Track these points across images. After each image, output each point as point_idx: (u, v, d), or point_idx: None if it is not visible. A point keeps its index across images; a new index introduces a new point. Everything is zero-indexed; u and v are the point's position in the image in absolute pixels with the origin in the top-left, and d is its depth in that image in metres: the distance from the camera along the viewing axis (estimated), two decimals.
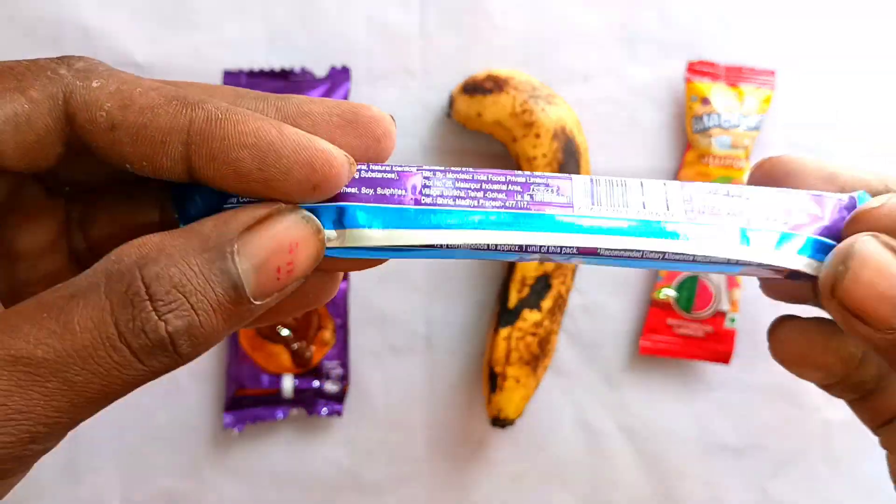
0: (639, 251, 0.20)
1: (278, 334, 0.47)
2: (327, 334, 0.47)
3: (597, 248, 0.20)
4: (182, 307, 0.16)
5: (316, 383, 0.47)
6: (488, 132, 0.46)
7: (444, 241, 0.19)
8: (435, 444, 0.49)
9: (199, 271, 0.16)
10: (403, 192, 0.20)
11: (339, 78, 0.47)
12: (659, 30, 0.48)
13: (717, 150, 0.47)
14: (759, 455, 0.50)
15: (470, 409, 0.49)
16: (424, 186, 0.20)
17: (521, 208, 0.20)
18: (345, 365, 0.47)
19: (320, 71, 0.47)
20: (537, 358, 0.46)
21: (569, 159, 0.45)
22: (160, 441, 0.48)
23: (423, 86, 0.48)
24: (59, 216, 0.20)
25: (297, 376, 0.47)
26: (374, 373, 0.48)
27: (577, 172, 0.45)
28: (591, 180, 0.21)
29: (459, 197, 0.20)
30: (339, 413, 0.47)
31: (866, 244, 0.18)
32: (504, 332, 0.45)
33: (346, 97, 0.46)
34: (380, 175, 0.20)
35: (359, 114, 0.19)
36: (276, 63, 0.47)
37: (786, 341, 0.22)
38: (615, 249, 0.20)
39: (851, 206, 0.20)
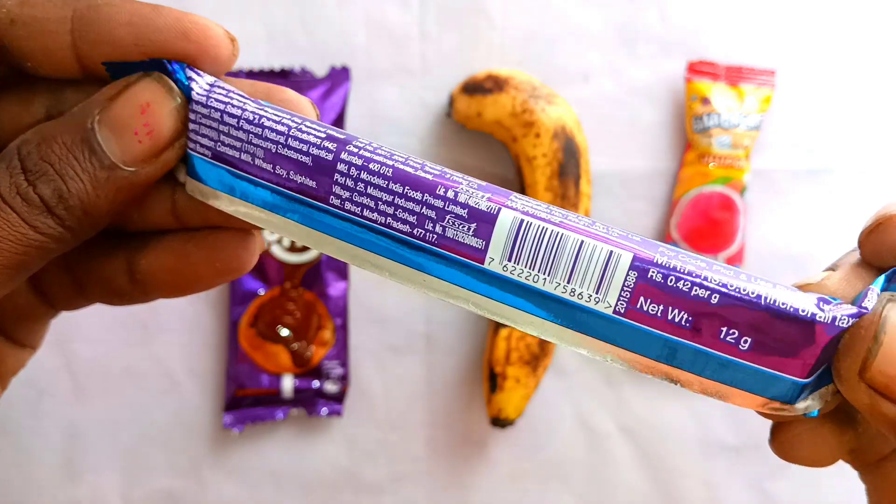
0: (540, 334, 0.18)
1: (278, 334, 0.47)
2: (327, 334, 0.47)
3: (486, 312, 0.18)
4: (48, 174, 0.18)
5: (316, 383, 0.47)
6: (488, 132, 0.46)
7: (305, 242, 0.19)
8: (435, 444, 0.49)
9: (62, 143, 0.18)
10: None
11: (339, 78, 0.47)
12: (659, 30, 0.48)
13: (717, 149, 0.47)
14: (759, 455, 0.50)
15: (470, 409, 0.49)
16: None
17: (421, 243, 0.18)
18: (345, 365, 0.47)
19: (320, 71, 0.47)
20: (537, 358, 0.46)
21: (569, 159, 0.45)
22: (160, 441, 0.48)
23: (423, 86, 0.48)
24: None
25: (296, 376, 0.47)
26: (374, 373, 0.48)
27: (577, 172, 0.45)
28: (521, 224, 0.17)
29: (366, 206, 0.18)
30: (339, 413, 0.47)
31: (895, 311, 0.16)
32: (504, 331, 0.45)
33: (345, 97, 0.46)
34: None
35: (272, 95, 0.20)
36: (276, 63, 0.47)
37: (795, 444, 0.20)
38: (510, 322, 0.18)
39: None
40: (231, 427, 0.47)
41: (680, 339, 0.17)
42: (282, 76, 0.46)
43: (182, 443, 0.48)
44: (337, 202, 0.18)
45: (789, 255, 0.49)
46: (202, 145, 0.20)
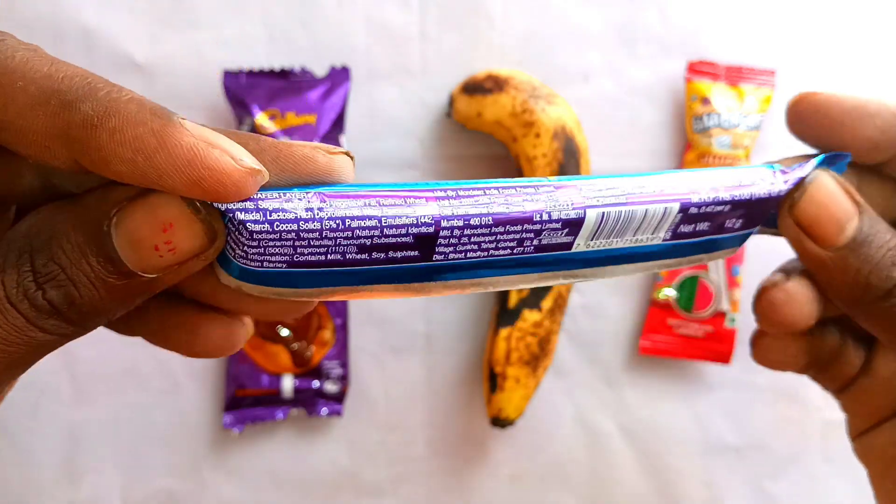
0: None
1: (278, 334, 0.47)
2: (327, 334, 0.47)
3: (571, 280, 0.22)
4: (59, 278, 0.17)
5: (316, 383, 0.47)
6: (488, 132, 0.46)
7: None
8: (435, 444, 0.49)
9: (74, 243, 0.17)
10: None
11: (339, 78, 0.47)
12: (659, 30, 0.48)
13: (717, 149, 0.47)
14: (759, 455, 0.50)
15: (470, 409, 0.49)
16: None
17: (519, 257, 0.20)
18: (345, 365, 0.47)
19: (320, 71, 0.47)
20: (537, 358, 0.46)
21: (569, 159, 0.45)
22: (160, 441, 0.48)
23: (423, 86, 0.48)
24: None
25: (296, 376, 0.47)
26: (374, 373, 0.48)
27: (577, 172, 0.45)
28: (602, 216, 0.20)
29: (469, 251, 0.20)
30: (339, 413, 0.47)
31: (823, 176, 0.22)
32: (504, 332, 0.45)
33: (345, 97, 0.46)
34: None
35: (281, 153, 0.18)
36: (276, 63, 0.47)
37: (767, 351, 0.26)
38: (585, 280, 0.22)
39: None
40: (231, 427, 0.47)
41: (707, 238, 0.23)
42: (282, 76, 0.46)
43: (182, 443, 0.48)
44: (440, 258, 0.19)
45: (789, 255, 0.49)
46: (270, 261, 0.18)
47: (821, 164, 0.23)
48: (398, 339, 0.48)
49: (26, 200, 0.20)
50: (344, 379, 0.47)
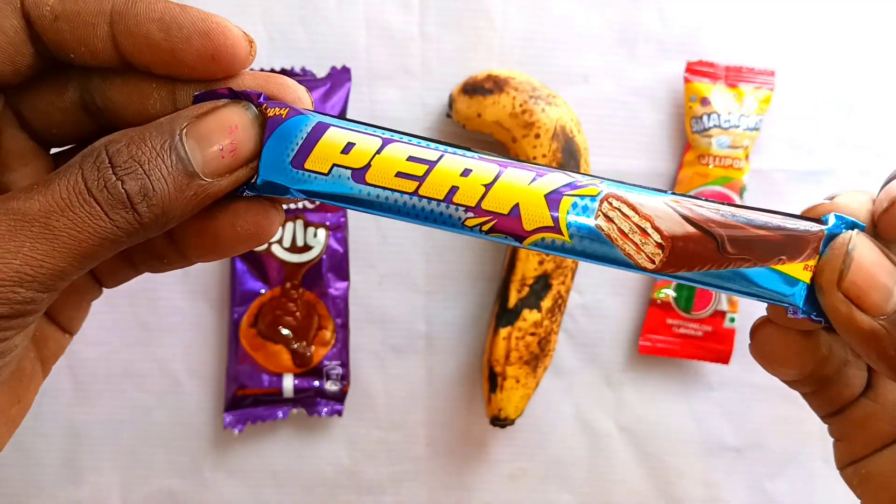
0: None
1: (279, 334, 0.47)
2: (327, 334, 0.47)
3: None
4: (136, 172, 0.19)
5: (316, 383, 0.47)
6: (488, 132, 0.46)
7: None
8: (435, 443, 0.49)
9: (151, 146, 0.20)
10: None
11: (339, 78, 0.47)
12: (659, 30, 0.48)
13: (716, 150, 0.47)
14: (759, 455, 0.50)
15: (470, 409, 0.49)
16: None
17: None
18: (345, 365, 0.47)
19: (320, 71, 0.47)
20: (537, 358, 0.46)
21: (569, 159, 0.45)
22: (160, 441, 0.48)
23: (423, 86, 0.48)
24: None
25: (297, 376, 0.47)
26: (374, 373, 0.48)
27: (577, 172, 0.45)
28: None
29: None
30: (339, 413, 0.47)
31: (863, 240, 0.21)
32: (504, 331, 0.45)
33: (346, 98, 0.47)
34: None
35: (269, 81, 0.23)
36: (276, 63, 0.47)
37: (767, 342, 0.24)
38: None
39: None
40: (232, 427, 0.47)
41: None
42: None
43: (183, 443, 0.48)
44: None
45: None
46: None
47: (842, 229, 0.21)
48: (398, 338, 0.48)
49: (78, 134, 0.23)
50: (344, 379, 0.47)
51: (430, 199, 0.21)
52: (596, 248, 0.20)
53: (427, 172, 0.21)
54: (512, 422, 0.46)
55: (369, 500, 0.49)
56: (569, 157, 0.45)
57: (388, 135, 0.21)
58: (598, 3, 0.48)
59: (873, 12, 0.49)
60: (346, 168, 0.21)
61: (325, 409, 0.47)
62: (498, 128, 0.45)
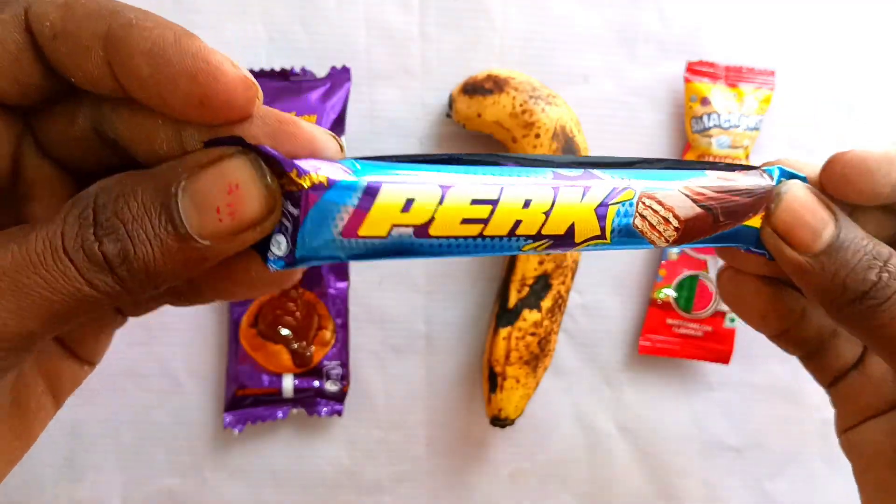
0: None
1: (279, 334, 0.47)
2: (327, 334, 0.47)
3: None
4: (118, 233, 0.18)
5: (316, 383, 0.47)
6: (488, 132, 0.46)
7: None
8: (435, 443, 0.49)
9: (141, 203, 0.18)
10: None
11: (339, 78, 0.47)
12: (659, 30, 0.48)
13: (716, 150, 0.47)
14: (759, 455, 0.50)
15: (470, 409, 0.49)
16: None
17: None
18: (345, 365, 0.47)
19: (320, 71, 0.47)
20: (537, 358, 0.46)
21: None
22: (160, 441, 0.48)
23: (423, 86, 0.48)
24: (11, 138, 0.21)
25: (297, 376, 0.47)
26: (374, 373, 0.48)
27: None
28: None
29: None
30: (339, 413, 0.47)
31: (796, 185, 0.24)
32: (504, 331, 0.45)
33: (346, 98, 0.47)
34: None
35: (283, 124, 0.20)
36: (276, 63, 0.47)
37: (729, 285, 0.26)
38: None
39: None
40: (232, 427, 0.47)
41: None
42: (282, 77, 0.46)
43: (183, 442, 0.48)
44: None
45: None
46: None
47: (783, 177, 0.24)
48: (398, 338, 0.48)
49: (87, 166, 0.22)
50: (344, 379, 0.47)
51: (494, 237, 0.20)
52: (627, 241, 0.22)
53: (491, 213, 0.20)
54: (512, 422, 0.46)
55: (369, 500, 0.49)
56: None
57: (441, 174, 0.19)
58: (598, 3, 0.48)
59: (873, 12, 0.49)
60: (408, 227, 0.19)
61: (325, 409, 0.47)
62: (498, 128, 0.45)
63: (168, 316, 0.48)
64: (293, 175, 0.18)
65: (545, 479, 0.49)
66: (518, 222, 0.20)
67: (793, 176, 0.24)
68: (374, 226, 0.19)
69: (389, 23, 0.47)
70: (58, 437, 0.47)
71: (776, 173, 0.24)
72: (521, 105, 0.44)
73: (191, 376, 0.48)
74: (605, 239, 0.22)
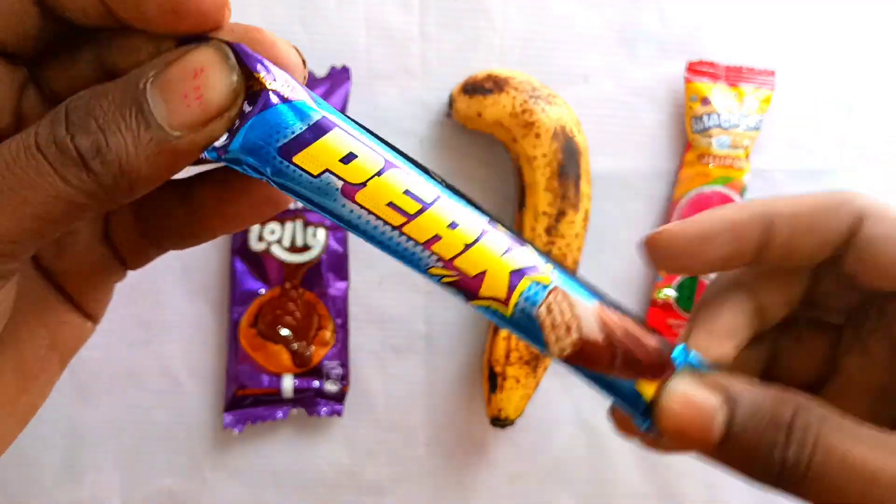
0: None
1: (278, 334, 0.47)
2: (327, 334, 0.47)
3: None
4: (90, 127, 0.18)
5: (316, 383, 0.47)
6: (488, 132, 0.46)
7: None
8: (435, 444, 0.49)
9: (111, 99, 0.18)
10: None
11: (339, 78, 0.47)
12: (659, 30, 0.48)
13: (716, 150, 0.47)
14: None
15: (470, 409, 0.49)
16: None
17: None
18: (345, 365, 0.47)
19: (320, 71, 0.47)
20: (537, 358, 0.46)
21: (569, 159, 0.45)
22: (160, 441, 0.48)
23: (423, 86, 0.48)
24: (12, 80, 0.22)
25: (297, 376, 0.47)
26: (374, 373, 0.48)
27: (577, 172, 0.45)
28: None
29: None
30: (339, 413, 0.47)
31: (676, 384, 0.21)
32: (504, 331, 0.45)
33: (346, 97, 0.47)
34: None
35: (249, 34, 0.21)
36: None
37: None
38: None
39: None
40: (231, 427, 0.47)
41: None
42: None
43: (183, 443, 0.48)
44: None
45: None
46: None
47: (681, 360, 0.22)
48: (398, 339, 0.48)
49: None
50: (344, 379, 0.47)
51: (410, 238, 0.20)
52: (525, 327, 0.21)
53: (418, 213, 0.20)
54: (512, 422, 0.46)
55: (369, 501, 0.49)
56: (569, 156, 0.45)
57: (391, 154, 0.20)
58: (598, 3, 0.48)
59: (873, 12, 0.49)
60: (339, 179, 0.19)
61: (325, 410, 0.47)
62: (498, 127, 0.45)
63: (168, 316, 0.47)
64: (259, 75, 0.19)
65: (545, 480, 0.49)
66: (437, 237, 0.20)
67: (687, 360, 0.22)
68: (310, 160, 0.19)
69: (389, 23, 0.47)
70: (57, 438, 0.47)
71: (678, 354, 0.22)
72: (521, 105, 0.44)
73: (191, 376, 0.48)
74: (506, 308, 0.21)
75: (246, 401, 0.47)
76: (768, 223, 0.23)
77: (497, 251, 0.20)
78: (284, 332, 0.47)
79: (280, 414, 0.47)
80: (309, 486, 0.48)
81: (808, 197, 0.24)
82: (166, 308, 0.47)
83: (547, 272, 0.21)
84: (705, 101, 0.47)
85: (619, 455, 0.49)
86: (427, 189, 0.20)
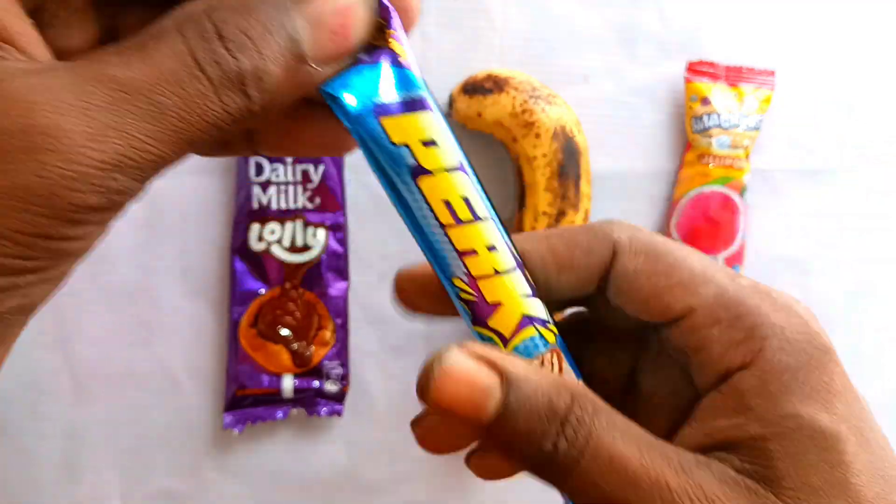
0: None
1: (278, 334, 0.47)
2: (327, 334, 0.47)
3: None
4: (249, 48, 0.17)
5: (316, 383, 0.47)
6: (488, 132, 0.46)
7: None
8: None
9: (261, 20, 0.17)
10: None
11: None
12: (659, 30, 0.48)
13: (716, 150, 0.47)
14: None
15: None
16: None
17: None
18: (345, 365, 0.47)
19: None
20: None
21: (569, 159, 0.45)
22: (160, 441, 0.48)
23: None
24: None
25: (297, 376, 0.47)
26: (374, 373, 0.48)
27: (577, 172, 0.45)
28: None
29: None
30: (339, 413, 0.47)
31: (449, 355, 0.19)
32: None
33: None
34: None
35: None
36: None
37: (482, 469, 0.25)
38: None
39: None
40: (231, 427, 0.47)
41: None
42: None
43: (182, 443, 0.48)
44: None
45: (789, 255, 0.49)
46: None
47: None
48: (398, 338, 0.48)
49: None
50: (344, 379, 0.47)
51: (450, 241, 0.20)
52: None
53: (466, 221, 0.20)
54: None
55: (369, 500, 0.49)
56: (569, 156, 0.45)
57: (466, 162, 0.20)
58: (598, 3, 0.48)
59: (873, 12, 0.49)
60: (413, 158, 0.19)
61: (325, 410, 0.47)
62: (498, 127, 0.45)
63: (168, 316, 0.47)
64: (390, 31, 0.19)
65: None
66: (474, 252, 0.20)
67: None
68: (397, 128, 0.19)
69: None
70: (56, 438, 0.47)
71: None
72: (521, 105, 0.44)
73: (190, 376, 0.48)
74: (504, 347, 0.21)
75: (246, 401, 0.47)
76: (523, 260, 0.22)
77: (519, 291, 0.21)
78: (284, 332, 0.47)
79: (280, 414, 0.47)
80: (309, 486, 0.48)
81: (563, 232, 0.23)
82: (166, 308, 0.47)
83: (552, 331, 0.22)
84: (705, 101, 0.47)
85: None
86: (482, 206, 0.20)
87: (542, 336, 0.21)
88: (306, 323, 0.47)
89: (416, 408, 0.51)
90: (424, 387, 0.19)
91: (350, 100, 0.19)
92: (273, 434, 0.48)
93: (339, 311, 0.47)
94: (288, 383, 0.47)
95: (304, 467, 0.48)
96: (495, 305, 0.21)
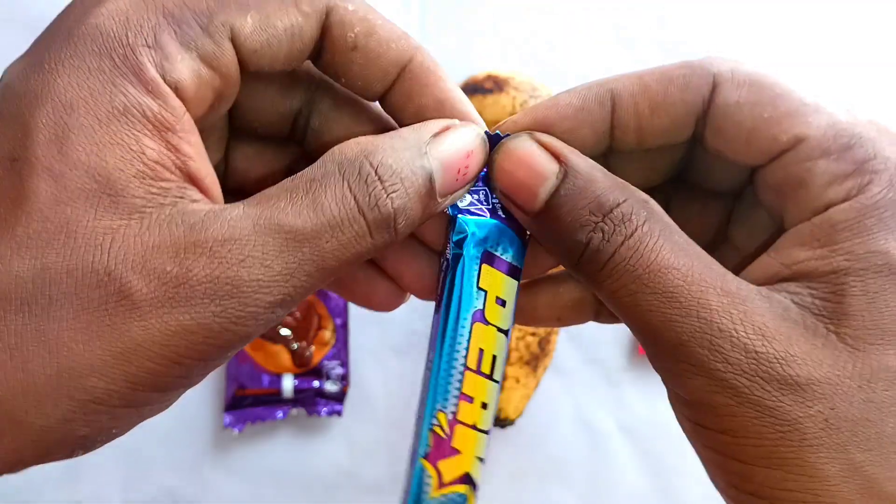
0: None
1: (278, 334, 0.47)
2: (327, 334, 0.47)
3: None
4: (400, 189, 0.19)
5: (316, 383, 0.47)
6: None
7: None
8: None
9: (407, 163, 0.19)
10: None
11: None
12: (659, 30, 0.48)
13: None
14: None
15: None
16: None
17: None
18: (345, 365, 0.47)
19: None
20: (537, 358, 0.46)
21: None
22: (160, 441, 0.48)
23: None
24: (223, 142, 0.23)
25: (297, 376, 0.47)
26: (374, 373, 0.48)
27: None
28: None
29: None
30: (339, 413, 0.47)
31: (513, 139, 0.21)
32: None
33: None
34: None
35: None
36: None
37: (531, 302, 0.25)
38: None
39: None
40: (231, 427, 0.47)
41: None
42: None
43: (183, 442, 0.48)
44: None
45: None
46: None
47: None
48: (398, 338, 0.48)
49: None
50: (344, 379, 0.47)
51: (461, 380, 0.22)
52: None
53: (482, 374, 0.22)
54: (512, 422, 0.46)
55: (369, 500, 0.49)
56: None
57: (510, 331, 0.23)
58: (598, 3, 0.48)
59: (873, 12, 0.49)
60: (483, 305, 0.22)
61: (325, 409, 0.47)
62: None
63: None
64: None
65: (545, 479, 0.49)
66: (470, 399, 0.23)
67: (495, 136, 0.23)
68: (488, 276, 0.21)
69: None
70: None
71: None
72: (521, 105, 0.44)
73: None
74: (436, 491, 0.23)
75: (246, 401, 0.47)
76: (613, 104, 0.22)
77: (478, 452, 0.24)
78: (284, 332, 0.47)
79: (280, 414, 0.47)
80: (309, 485, 0.48)
81: (657, 70, 0.23)
82: None
83: (476, 499, 0.24)
84: None
85: (619, 455, 0.49)
86: (501, 371, 0.23)
87: (466, 497, 0.24)
88: (306, 323, 0.47)
89: (417, 407, 0.51)
90: (489, 167, 0.21)
91: (469, 226, 0.21)
92: (273, 434, 0.48)
93: (339, 311, 0.47)
94: (288, 383, 0.47)
95: (303, 467, 0.48)
96: (454, 451, 0.23)
